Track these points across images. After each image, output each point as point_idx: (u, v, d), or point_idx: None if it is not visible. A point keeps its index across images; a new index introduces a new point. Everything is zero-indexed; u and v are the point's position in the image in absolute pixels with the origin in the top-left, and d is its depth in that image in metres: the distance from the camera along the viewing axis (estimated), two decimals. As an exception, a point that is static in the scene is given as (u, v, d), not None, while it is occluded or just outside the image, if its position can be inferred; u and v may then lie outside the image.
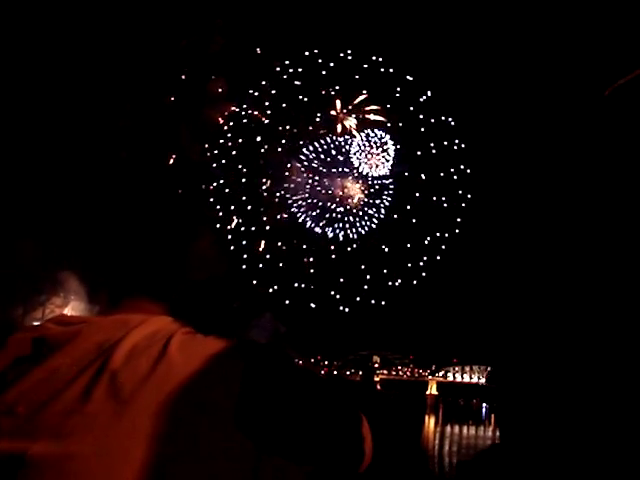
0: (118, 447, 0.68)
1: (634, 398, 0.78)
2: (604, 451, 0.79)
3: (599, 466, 0.81)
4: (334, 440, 0.83)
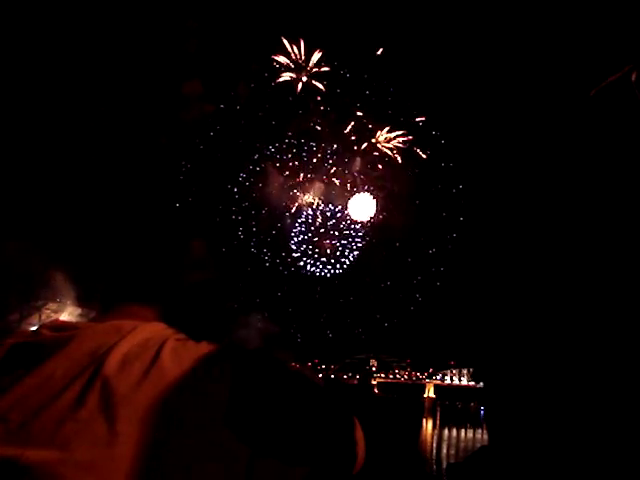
0: (112, 453, 0.68)
1: (622, 394, 0.78)
2: (593, 451, 0.79)
3: (590, 466, 0.82)
4: (325, 442, 0.83)
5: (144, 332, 0.81)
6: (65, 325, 0.86)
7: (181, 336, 0.83)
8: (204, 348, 0.79)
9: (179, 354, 0.77)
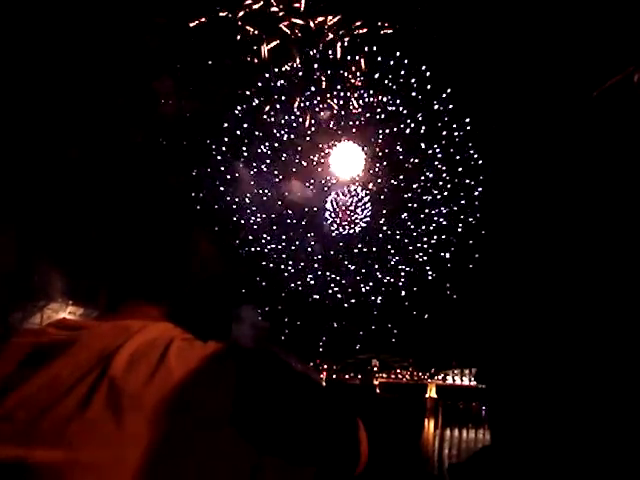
0: (118, 453, 0.68)
1: (625, 394, 0.78)
2: (596, 451, 0.79)
3: (593, 467, 0.81)
4: (329, 442, 0.83)
5: (151, 332, 0.81)
6: (72, 324, 0.86)
7: (188, 336, 0.83)
8: (210, 348, 0.79)
9: (185, 354, 0.77)
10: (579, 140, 0.90)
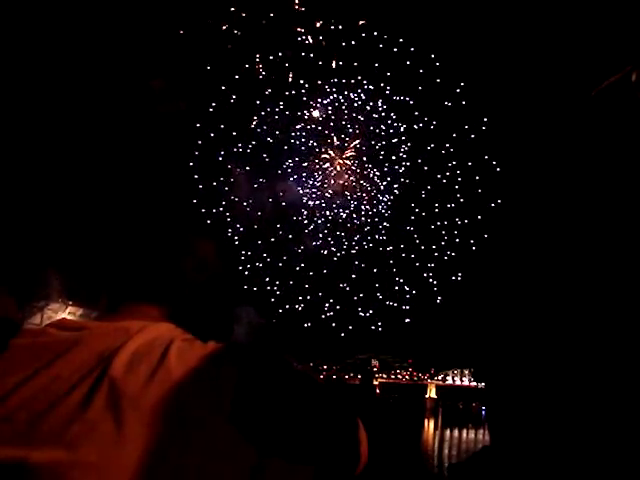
0: (119, 454, 0.68)
1: (624, 393, 0.78)
2: (596, 451, 0.79)
3: (593, 467, 0.82)
4: (329, 442, 0.83)
5: (151, 332, 0.81)
6: (73, 324, 0.86)
7: (188, 336, 0.83)
8: (210, 348, 0.79)
9: (185, 354, 0.77)
10: (577, 140, 0.90)
